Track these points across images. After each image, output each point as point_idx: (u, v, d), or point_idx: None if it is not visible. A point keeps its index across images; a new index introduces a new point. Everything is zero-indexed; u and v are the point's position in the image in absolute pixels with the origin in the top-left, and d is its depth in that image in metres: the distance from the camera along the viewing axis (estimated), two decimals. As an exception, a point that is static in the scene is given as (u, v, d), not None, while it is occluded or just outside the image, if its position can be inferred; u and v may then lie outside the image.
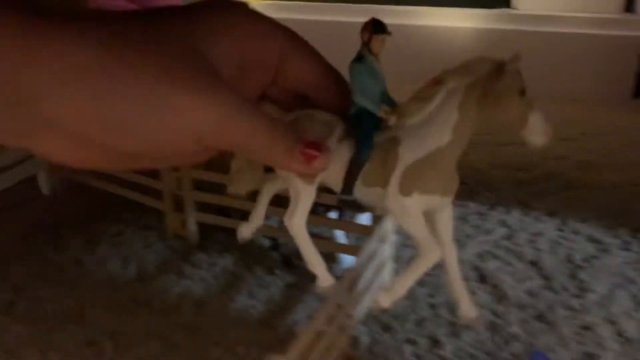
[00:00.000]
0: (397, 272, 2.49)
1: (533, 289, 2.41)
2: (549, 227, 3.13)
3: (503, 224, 3.15)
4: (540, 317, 2.21)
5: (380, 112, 0.62)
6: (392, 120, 0.63)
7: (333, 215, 2.57)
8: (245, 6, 0.57)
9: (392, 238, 2.24)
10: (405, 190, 0.62)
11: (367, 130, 0.62)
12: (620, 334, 2.11)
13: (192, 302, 2.33)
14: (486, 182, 3.76)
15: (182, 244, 2.80)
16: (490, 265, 2.60)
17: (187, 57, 0.48)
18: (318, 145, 0.58)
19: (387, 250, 2.24)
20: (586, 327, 2.16)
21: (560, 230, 3.07)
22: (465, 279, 2.57)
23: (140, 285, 2.48)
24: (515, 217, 3.25)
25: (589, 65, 5.95)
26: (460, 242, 2.83)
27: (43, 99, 0.42)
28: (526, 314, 2.22)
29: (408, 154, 0.62)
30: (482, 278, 2.49)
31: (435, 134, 0.63)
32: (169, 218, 2.89)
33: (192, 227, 2.84)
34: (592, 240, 2.93)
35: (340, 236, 2.51)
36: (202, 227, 2.88)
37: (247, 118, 0.52)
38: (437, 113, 0.63)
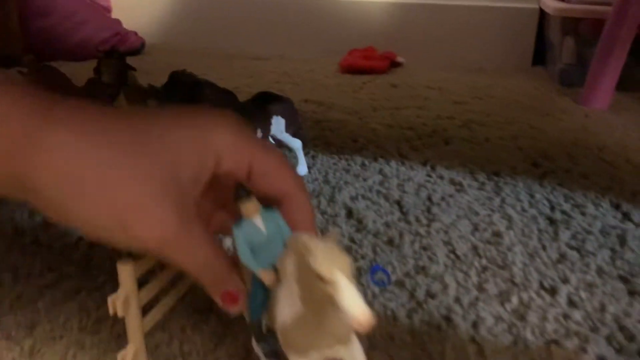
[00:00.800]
0: None
1: (390, 221, 2.81)
2: (419, 174, 3.52)
3: (380, 172, 3.53)
4: (389, 242, 2.60)
5: (260, 274, 0.65)
6: (269, 282, 0.66)
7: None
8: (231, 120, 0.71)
9: None
10: (286, 349, 0.65)
11: (255, 292, 0.67)
12: (452, 252, 2.52)
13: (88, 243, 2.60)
14: (377, 140, 4.14)
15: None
16: (359, 204, 2.98)
17: (161, 177, 0.59)
18: (236, 295, 0.66)
19: None
20: (425, 248, 2.56)
21: (429, 176, 3.48)
22: (335, 215, 2.93)
23: (43, 230, 2.72)
24: (392, 166, 3.64)
25: (493, 35, 6.50)
26: (338, 187, 3.21)
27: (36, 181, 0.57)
28: (378, 240, 2.61)
29: (280, 317, 0.64)
30: (350, 214, 2.87)
31: (290, 302, 0.63)
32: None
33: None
34: (453, 182, 3.35)
35: None
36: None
37: (189, 242, 0.61)
38: (285, 283, 0.64)
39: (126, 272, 0.76)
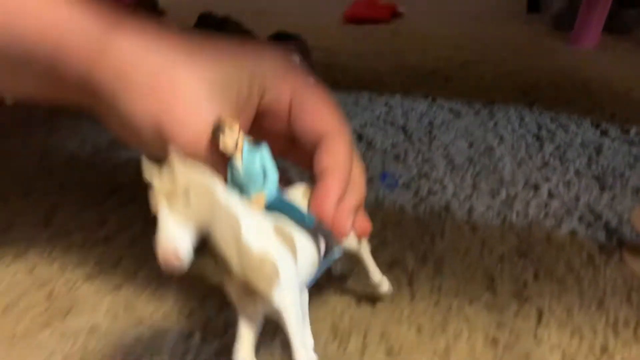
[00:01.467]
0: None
1: (396, 142, 3.18)
2: (421, 105, 3.86)
3: (386, 104, 3.88)
4: (396, 157, 2.97)
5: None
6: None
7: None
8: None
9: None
10: None
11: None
12: (449, 161, 2.90)
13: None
14: (381, 80, 4.25)
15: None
16: (369, 130, 3.34)
17: (210, 81, 0.56)
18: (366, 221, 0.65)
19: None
20: (426, 160, 2.94)
21: (430, 106, 3.83)
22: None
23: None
24: (396, 99, 3.99)
25: (488, -17, 6.65)
26: (348, 117, 3.55)
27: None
28: (386, 157, 2.99)
29: None
30: (360, 138, 3.24)
31: None
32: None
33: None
34: (452, 111, 3.70)
35: None
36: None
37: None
38: None
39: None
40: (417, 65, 4.82)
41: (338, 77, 4.28)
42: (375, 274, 0.86)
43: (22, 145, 1.94)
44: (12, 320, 0.92)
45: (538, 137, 2.51)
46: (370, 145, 3.22)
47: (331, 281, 1.09)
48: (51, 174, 1.64)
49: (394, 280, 1.06)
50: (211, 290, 1.04)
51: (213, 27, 2.62)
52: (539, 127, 2.69)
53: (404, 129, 3.50)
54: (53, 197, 1.45)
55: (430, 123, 3.69)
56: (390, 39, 5.80)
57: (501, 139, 2.69)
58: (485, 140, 3.18)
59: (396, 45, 5.56)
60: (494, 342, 0.90)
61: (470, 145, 3.11)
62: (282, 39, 3.31)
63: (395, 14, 6.45)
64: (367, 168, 2.27)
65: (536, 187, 1.54)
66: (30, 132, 2.10)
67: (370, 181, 2.37)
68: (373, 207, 1.74)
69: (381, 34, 5.91)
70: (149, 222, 0.85)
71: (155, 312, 0.95)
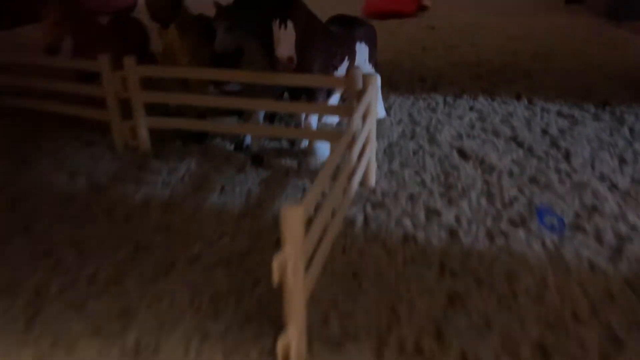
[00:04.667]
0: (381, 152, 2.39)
1: (518, 159, 2.34)
2: (517, 109, 3.05)
3: (472, 109, 3.05)
4: (533, 180, 2.13)
5: None
6: None
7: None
8: None
9: (375, 114, 2.07)
10: None
11: None
12: (611, 185, 2.07)
13: (160, 205, 2.07)
14: (446, 78, 3.63)
15: (134, 155, 2.47)
16: (469, 143, 2.50)
17: None
18: None
19: (370, 127, 2.07)
20: (577, 184, 2.10)
21: (530, 109, 3.01)
22: (446, 156, 2.39)
23: (94, 196, 2.17)
24: (482, 103, 3.17)
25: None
26: (432, 127, 2.72)
27: None
28: (519, 180, 2.14)
29: None
30: (464, 154, 2.39)
31: None
32: (117, 127, 2.52)
33: (143, 135, 2.50)
34: (562, 115, 2.90)
35: (314, 122, 2.31)
36: (152, 137, 2.53)
37: None
38: None
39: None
40: (479, 60, 4.10)
41: (393, 78, 3.46)
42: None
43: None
44: None
45: None
46: (483, 164, 2.38)
47: None
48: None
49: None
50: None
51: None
52: None
53: (515, 141, 2.68)
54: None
55: (545, 131, 2.88)
56: (427, 33, 5.03)
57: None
58: (637, 152, 2.41)
59: (438, 39, 4.75)
60: None
61: (622, 159, 2.29)
62: (349, 23, 2.48)
63: (420, 7, 5.67)
64: (504, 199, 2.01)
65: None
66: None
67: (522, 223, 1.81)
68: (543, 272, 1.52)
69: (414, 28, 5.13)
70: None
71: None
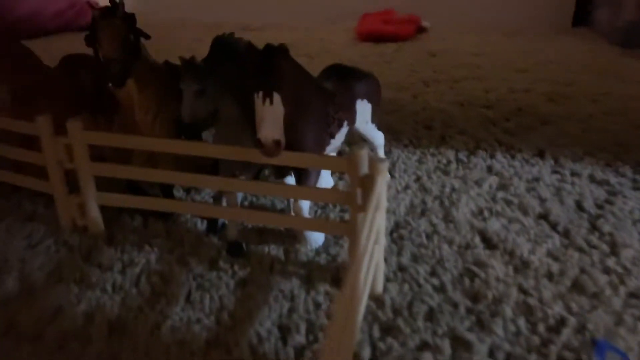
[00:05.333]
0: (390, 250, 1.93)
1: (554, 250, 1.91)
2: (543, 171, 2.55)
3: (490, 171, 2.62)
4: (578, 288, 1.70)
5: None
6: None
7: (290, 180, 1.93)
8: None
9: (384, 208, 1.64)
10: None
11: None
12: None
13: (106, 325, 1.59)
14: (455, 124, 3.17)
15: (82, 239, 1.99)
16: (493, 224, 2.07)
17: None
18: None
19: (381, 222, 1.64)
20: (636, 293, 1.68)
21: (557, 172, 2.58)
22: (468, 245, 2.00)
23: (23, 304, 1.69)
24: (501, 161, 2.73)
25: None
26: (447, 198, 2.28)
27: None
28: (560, 286, 1.71)
29: None
30: (489, 242, 1.97)
31: None
32: (62, 202, 2.06)
33: (93, 214, 2.03)
34: (596, 181, 2.48)
35: (305, 207, 1.87)
36: (107, 212, 2.08)
37: None
38: None
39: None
40: (489, 100, 3.53)
41: (394, 123, 3.01)
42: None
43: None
44: None
45: None
46: (514, 258, 2.00)
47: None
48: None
49: None
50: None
51: (258, 57, 1.69)
52: None
53: (547, 220, 2.25)
54: None
55: (580, 206, 2.55)
56: (427, 61, 4.56)
57: None
58: None
59: (440, 69, 4.22)
60: None
61: None
62: (345, 75, 2.03)
63: (419, 29, 5.25)
64: (545, 315, 1.63)
65: None
66: None
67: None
68: None
69: (413, 55, 4.67)
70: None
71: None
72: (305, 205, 1.89)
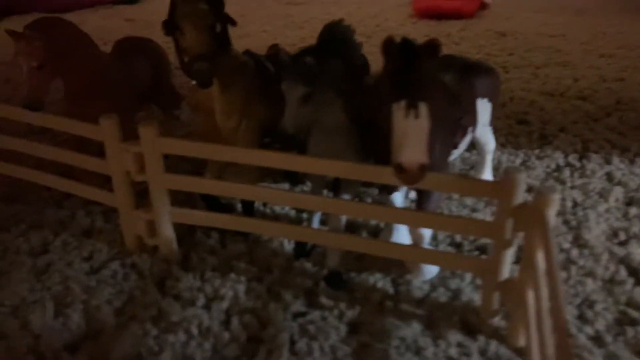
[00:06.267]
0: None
1: None
2: None
3: (611, 179, 2.26)
4: None
5: None
6: None
7: (398, 196, 1.62)
8: None
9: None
10: None
11: None
12: None
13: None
14: (552, 120, 2.72)
15: (152, 261, 1.69)
16: (635, 251, 1.74)
17: None
18: None
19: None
20: None
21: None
22: (612, 279, 1.64)
23: (95, 349, 1.40)
24: (620, 167, 2.34)
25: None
26: (572, 216, 1.91)
27: None
28: None
29: None
30: (636, 275, 1.64)
31: None
32: (127, 218, 1.74)
33: (167, 232, 1.71)
34: None
35: (427, 237, 1.56)
36: (176, 227, 1.74)
37: None
38: None
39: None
40: (583, 91, 3.03)
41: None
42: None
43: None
44: None
45: None
46: None
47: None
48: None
49: None
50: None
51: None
52: None
53: None
54: None
55: None
56: (497, 42, 4.11)
57: None
58: None
59: (515, 52, 3.79)
60: None
61: None
62: (465, 68, 1.69)
63: (482, 5, 4.84)
64: None
65: None
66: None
67: None
68: None
69: (480, 35, 4.21)
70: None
71: None
72: (428, 233, 1.57)
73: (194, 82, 1.52)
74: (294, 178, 2.11)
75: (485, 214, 1.95)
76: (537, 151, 2.34)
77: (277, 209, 2.00)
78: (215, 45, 1.50)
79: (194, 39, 1.45)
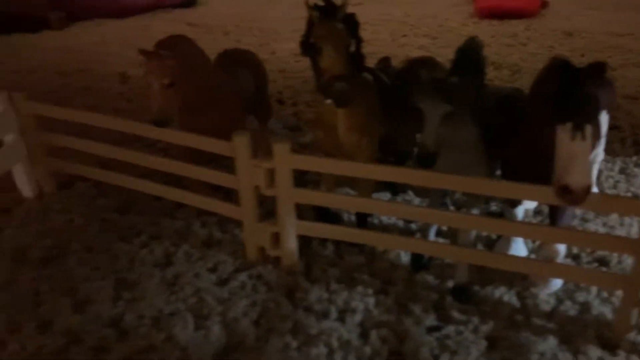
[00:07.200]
0: None
1: None
2: None
3: None
4: None
5: None
6: None
7: (520, 209, 1.63)
8: None
9: None
10: None
11: None
12: None
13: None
14: None
15: (278, 272, 1.74)
16: None
17: None
18: None
19: None
20: None
21: None
22: None
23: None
24: None
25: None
26: None
27: None
28: None
29: None
30: None
31: None
32: (251, 230, 1.79)
33: (290, 244, 1.76)
34: None
35: (562, 253, 1.59)
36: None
37: None
38: None
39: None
40: None
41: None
42: None
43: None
44: None
45: None
46: None
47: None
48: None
49: None
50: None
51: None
52: None
53: None
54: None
55: None
56: (565, 41, 4.05)
57: None
58: None
59: (590, 54, 3.70)
60: None
61: None
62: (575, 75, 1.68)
63: (542, 4, 4.79)
64: None
65: None
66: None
67: None
68: None
69: (546, 35, 4.16)
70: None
71: None
72: (563, 249, 1.59)
73: (328, 101, 1.57)
74: (395, 188, 2.14)
75: (597, 224, 1.95)
76: (634, 158, 2.32)
77: (384, 219, 2.02)
78: (351, 65, 1.54)
79: (332, 60, 1.49)
